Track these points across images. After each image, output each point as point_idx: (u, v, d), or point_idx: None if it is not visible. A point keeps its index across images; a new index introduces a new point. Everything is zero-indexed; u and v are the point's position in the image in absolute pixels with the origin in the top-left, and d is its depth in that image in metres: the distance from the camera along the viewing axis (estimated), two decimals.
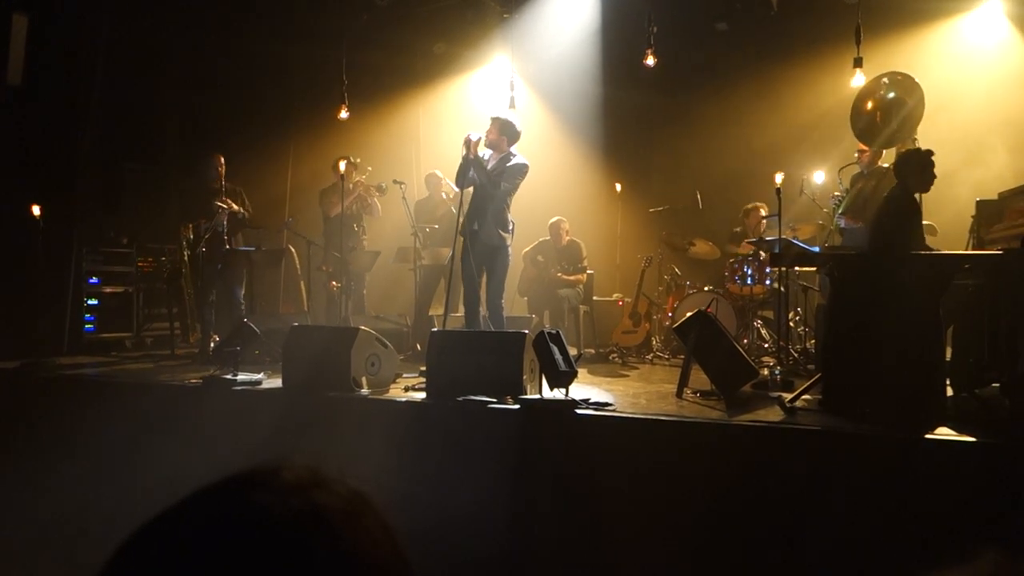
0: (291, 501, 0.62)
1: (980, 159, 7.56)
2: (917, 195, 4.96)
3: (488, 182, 6.22)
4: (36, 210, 6.74)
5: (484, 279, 6.43)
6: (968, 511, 3.45)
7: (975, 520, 3.41)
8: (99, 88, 8.33)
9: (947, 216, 6.76)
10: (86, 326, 8.01)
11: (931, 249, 4.92)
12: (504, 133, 6.33)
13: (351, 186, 7.78)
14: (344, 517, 0.63)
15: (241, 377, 5.46)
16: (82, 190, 8.33)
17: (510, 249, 6.44)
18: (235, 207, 7.52)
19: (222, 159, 7.61)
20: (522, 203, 6.70)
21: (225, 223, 7.45)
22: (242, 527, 0.60)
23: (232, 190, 7.67)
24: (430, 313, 7.82)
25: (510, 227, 6.37)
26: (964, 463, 3.60)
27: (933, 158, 4.93)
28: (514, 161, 6.30)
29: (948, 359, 4.68)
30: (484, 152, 6.28)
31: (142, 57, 8.86)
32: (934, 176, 4.95)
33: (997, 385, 4.44)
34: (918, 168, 4.90)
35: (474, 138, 6.18)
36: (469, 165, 6.18)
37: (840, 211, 6.74)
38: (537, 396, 4.67)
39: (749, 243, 7.61)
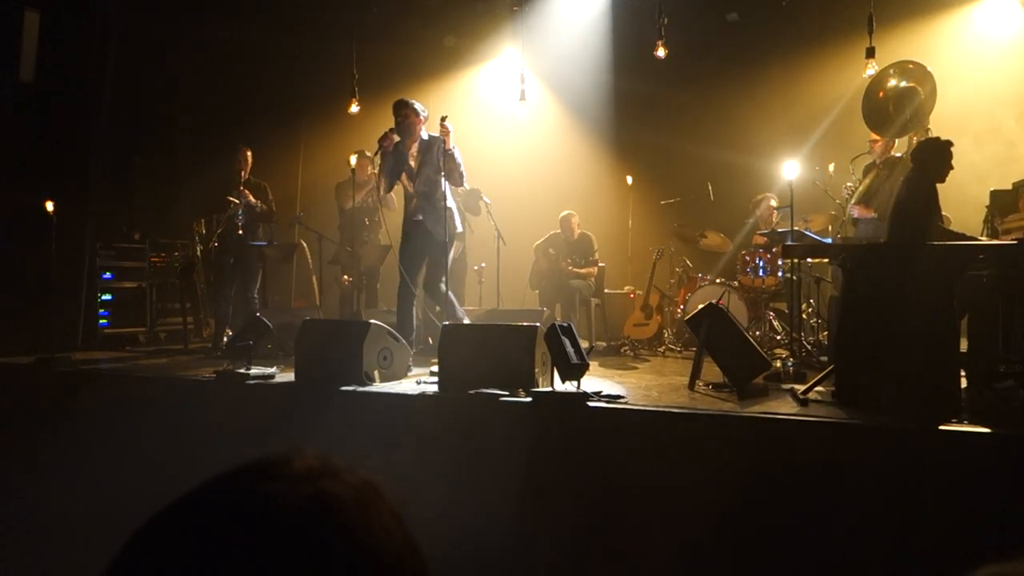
0: (301, 490, 0.62)
1: (995, 149, 7.50)
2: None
3: (443, 168, 6.26)
4: (49, 205, 6.77)
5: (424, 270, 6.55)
6: (983, 504, 3.43)
7: (990, 513, 3.39)
8: (110, 83, 8.36)
9: (962, 207, 6.70)
10: (100, 321, 8.05)
11: (952, 235, 4.85)
12: (419, 115, 6.39)
13: (366, 179, 7.79)
14: (355, 506, 0.63)
15: (254, 371, 5.47)
16: (94, 185, 8.37)
17: (459, 228, 6.58)
18: (253, 200, 7.52)
19: (249, 153, 7.60)
20: (533, 196, 6.69)
21: (241, 216, 7.45)
22: (252, 516, 0.60)
23: (256, 184, 7.67)
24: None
25: (456, 215, 6.52)
26: (979, 455, 3.57)
27: (952, 148, 4.89)
28: (430, 137, 6.40)
29: (963, 350, 4.64)
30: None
31: (152, 51, 8.89)
32: (951, 166, 4.90)
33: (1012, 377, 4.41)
34: (938, 156, 4.86)
35: (390, 139, 6.27)
36: (392, 164, 6.31)
37: (852, 201, 6.69)
38: (549, 389, 4.67)
39: (761, 235, 7.58)
